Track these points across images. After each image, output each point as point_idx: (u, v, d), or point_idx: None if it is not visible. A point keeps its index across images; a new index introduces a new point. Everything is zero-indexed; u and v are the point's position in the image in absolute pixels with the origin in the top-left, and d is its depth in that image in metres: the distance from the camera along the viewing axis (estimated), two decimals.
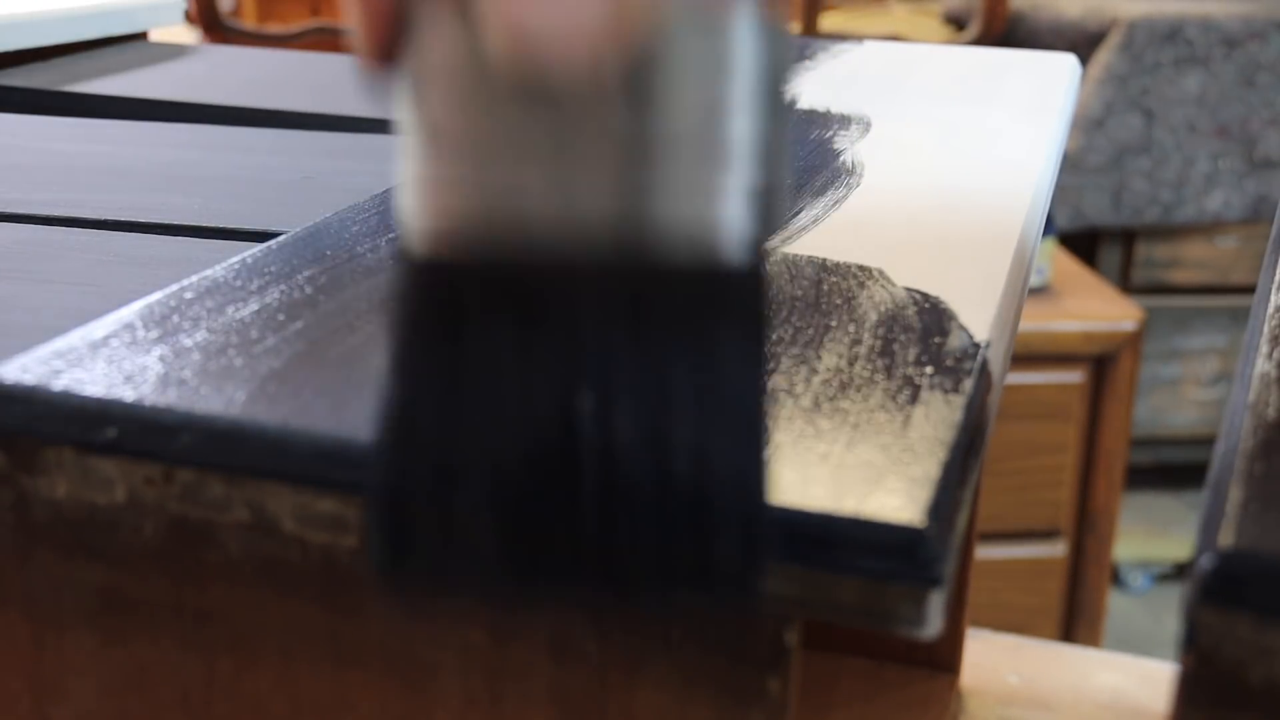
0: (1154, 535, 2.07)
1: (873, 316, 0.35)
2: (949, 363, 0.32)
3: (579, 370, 0.22)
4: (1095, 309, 1.46)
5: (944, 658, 0.55)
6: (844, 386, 0.31)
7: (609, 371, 0.22)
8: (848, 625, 0.26)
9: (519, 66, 0.20)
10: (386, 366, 0.24)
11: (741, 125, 0.22)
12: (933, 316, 0.35)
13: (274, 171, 0.56)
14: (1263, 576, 0.24)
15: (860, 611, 0.26)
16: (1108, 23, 1.92)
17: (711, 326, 0.23)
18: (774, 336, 0.32)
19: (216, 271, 0.37)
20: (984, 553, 1.44)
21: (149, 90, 0.73)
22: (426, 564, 0.23)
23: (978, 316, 0.35)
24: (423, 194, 0.23)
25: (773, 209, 0.23)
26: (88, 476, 0.30)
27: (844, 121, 0.55)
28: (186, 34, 1.80)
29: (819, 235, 0.41)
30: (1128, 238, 2.02)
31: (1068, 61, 0.70)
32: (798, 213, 0.43)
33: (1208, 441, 2.03)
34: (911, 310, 0.35)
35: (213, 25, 1.80)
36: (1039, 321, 1.41)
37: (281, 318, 0.34)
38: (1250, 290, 1.49)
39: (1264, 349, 0.33)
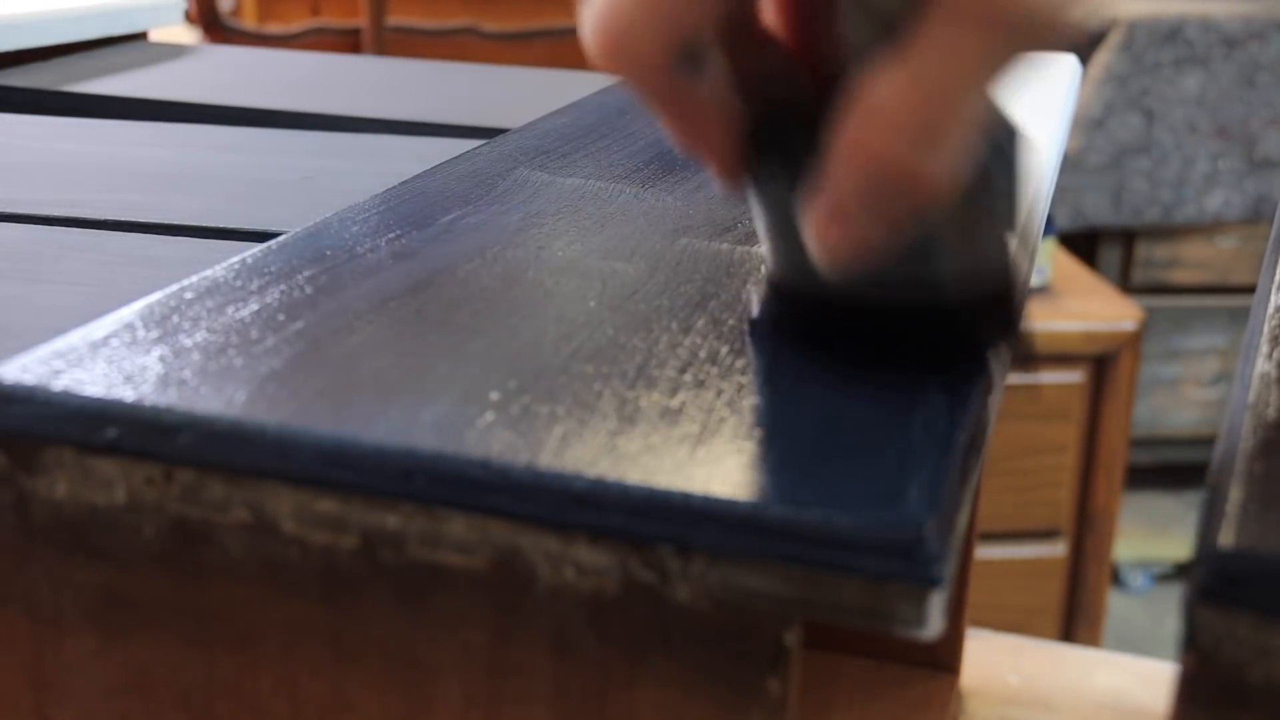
0: (1154, 535, 2.07)
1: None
2: (949, 363, 0.32)
3: None
4: (1095, 309, 1.46)
5: (944, 658, 0.55)
6: (844, 386, 0.31)
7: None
8: (848, 625, 0.26)
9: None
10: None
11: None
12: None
13: (274, 171, 0.56)
14: (1263, 576, 0.24)
15: (860, 611, 0.26)
16: (1108, 23, 1.92)
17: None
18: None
19: (216, 271, 0.37)
20: (984, 553, 1.45)
21: (149, 90, 0.73)
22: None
23: None
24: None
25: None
26: (88, 477, 0.30)
27: None
28: (186, 34, 1.80)
29: None
30: (1128, 238, 2.02)
31: (1068, 61, 0.70)
32: None
33: (1208, 441, 2.03)
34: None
35: (213, 25, 1.80)
36: (1039, 321, 1.41)
37: (281, 318, 0.34)
38: (1250, 290, 1.49)
39: (1264, 349, 0.33)
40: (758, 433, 0.29)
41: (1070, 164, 1.92)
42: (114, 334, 0.32)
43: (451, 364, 0.32)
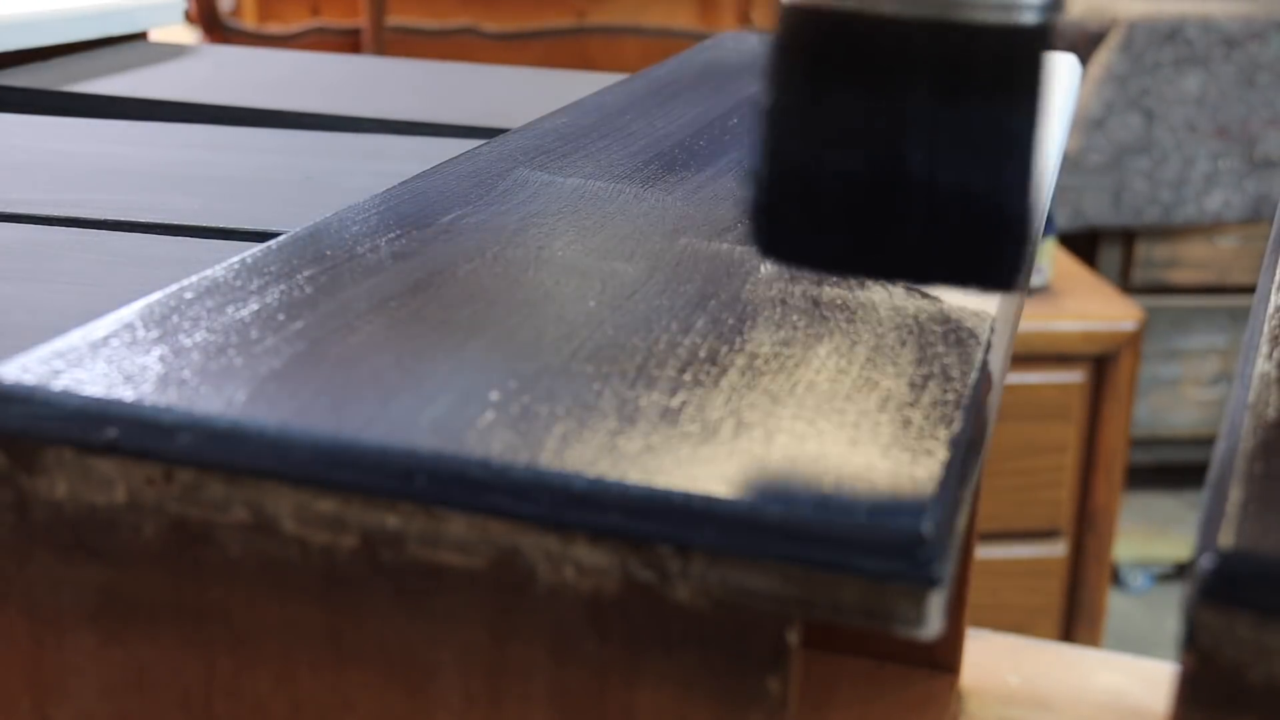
0: (1154, 535, 2.07)
1: (873, 317, 0.35)
2: (949, 363, 0.32)
3: (908, 119, 0.29)
4: (1095, 309, 1.46)
5: (944, 658, 0.55)
6: (844, 387, 0.31)
7: (931, 121, 0.29)
8: (848, 625, 0.26)
9: None
10: (768, 93, 0.30)
11: None
12: (932, 316, 0.35)
13: (274, 171, 0.56)
14: (1263, 576, 0.24)
15: (860, 611, 0.26)
16: (1108, 23, 1.92)
17: (1007, 82, 0.29)
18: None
19: (216, 271, 0.37)
20: (984, 553, 1.45)
21: (149, 90, 0.73)
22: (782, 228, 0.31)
23: (978, 316, 0.35)
24: None
25: None
26: (88, 476, 0.30)
27: None
28: (186, 34, 1.80)
29: None
30: (1128, 238, 2.02)
31: (1068, 61, 0.70)
32: None
33: (1208, 441, 2.03)
34: (911, 310, 0.35)
35: (213, 25, 1.80)
36: (1039, 321, 1.41)
37: (281, 318, 0.34)
38: (1250, 290, 1.49)
39: (1264, 349, 0.33)
40: (757, 433, 0.29)
41: (1070, 164, 1.92)
42: (114, 334, 0.32)
43: (451, 364, 0.32)
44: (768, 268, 0.39)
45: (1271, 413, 0.29)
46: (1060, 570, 1.49)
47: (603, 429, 0.29)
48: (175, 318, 0.34)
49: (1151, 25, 1.89)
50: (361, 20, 1.99)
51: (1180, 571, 2.03)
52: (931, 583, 0.25)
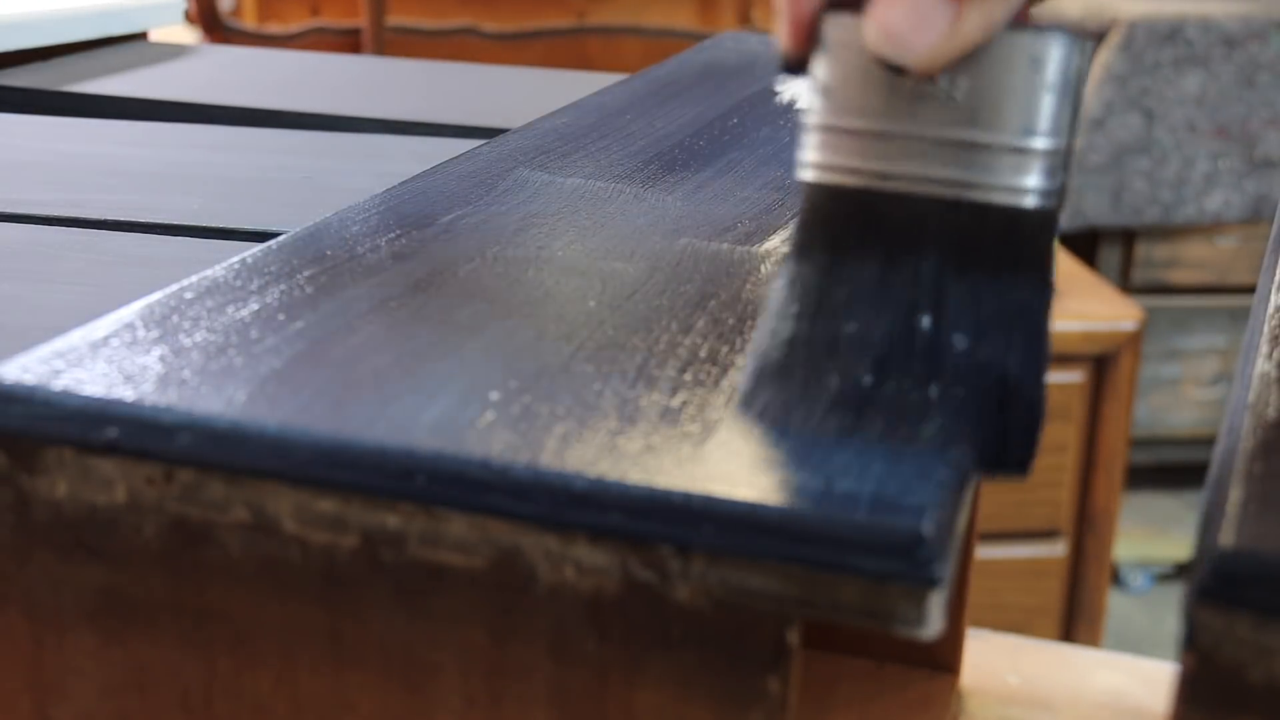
0: (1154, 535, 2.07)
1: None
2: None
3: (921, 294, 0.30)
4: (1095, 309, 1.46)
5: (944, 658, 0.55)
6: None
7: (942, 296, 0.30)
8: (848, 625, 0.26)
9: (883, 52, 0.29)
10: (794, 263, 0.31)
11: (1046, 106, 0.30)
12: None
13: (274, 171, 0.56)
14: (1263, 576, 0.24)
15: (860, 611, 0.26)
16: (1108, 23, 1.92)
17: (1014, 262, 0.31)
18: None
19: (216, 271, 0.37)
20: (984, 553, 1.45)
21: (149, 90, 0.73)
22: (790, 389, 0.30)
23: None
24: (815, 138, 0.31)
25: (1064, 170, 0.31)
26: (88, 476, 0.30)
27: None
28: (186, 34, 1.80)
29: None
30: (1128, 238, 2.02)
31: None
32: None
33: (1208, 441, 2.03)
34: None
35: (213, 25, 1.80)
36: None
37: (281, 318, 0.34)
38: (1250, 290, 1.49)
39: (1264, 349, 0.33)
40: (757, 432, 0.29)
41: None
42: (114, 334, 0.32)
43: (451, 364, 0.32)
44: (768, 268, 0.39)
45: (1271, 413, 0.29)
46: (1060, 570, 1.49)
47: (603, 429, 0.29)
48: (175, 318, 0.34)
49: (1151, 25, 1.89)
50: (361, 20, 1.99)
51: (1180, 571, 2.03)
52: (931, 583, 0.25)
